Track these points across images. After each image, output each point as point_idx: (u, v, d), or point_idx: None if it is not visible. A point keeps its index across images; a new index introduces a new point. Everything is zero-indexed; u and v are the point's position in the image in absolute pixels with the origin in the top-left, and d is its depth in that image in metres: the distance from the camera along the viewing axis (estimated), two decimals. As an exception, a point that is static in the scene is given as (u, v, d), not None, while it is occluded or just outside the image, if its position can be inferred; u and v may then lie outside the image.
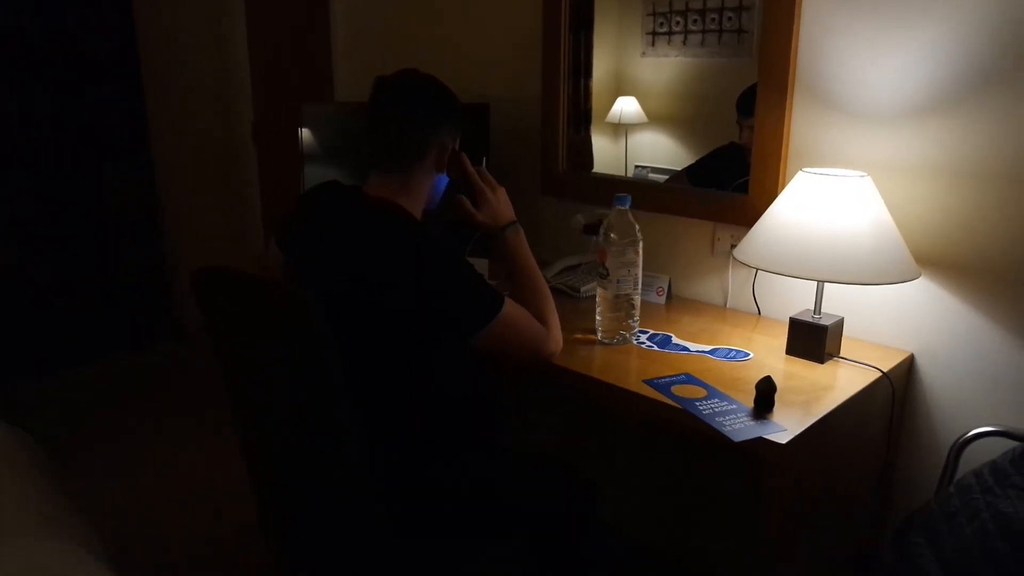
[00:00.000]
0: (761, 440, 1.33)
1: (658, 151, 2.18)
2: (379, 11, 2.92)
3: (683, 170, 2.13)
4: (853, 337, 1.78)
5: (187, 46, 3.76)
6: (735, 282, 2.02)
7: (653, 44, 2.10)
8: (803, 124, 1.82)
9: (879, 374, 1.59)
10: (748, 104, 1.91)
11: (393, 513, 1.46)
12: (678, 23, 2.03)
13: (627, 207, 1.70)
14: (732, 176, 1.98)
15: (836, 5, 1.72)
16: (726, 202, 1.98)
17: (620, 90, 2.23)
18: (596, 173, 2.34)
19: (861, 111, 1.72)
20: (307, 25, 3.28)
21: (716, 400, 1.47)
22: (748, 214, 1.85)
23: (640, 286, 1.75)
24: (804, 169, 1.65)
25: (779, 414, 1.42)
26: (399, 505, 1.48)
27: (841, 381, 1.57)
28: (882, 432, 1.71)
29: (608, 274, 1.70)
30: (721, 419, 1.39)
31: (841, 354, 1.68)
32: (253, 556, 2.24)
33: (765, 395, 1.42)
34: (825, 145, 1.80)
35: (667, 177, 2.17)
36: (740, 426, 1.37)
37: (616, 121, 2.26)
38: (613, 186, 2.12)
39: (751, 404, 1.45)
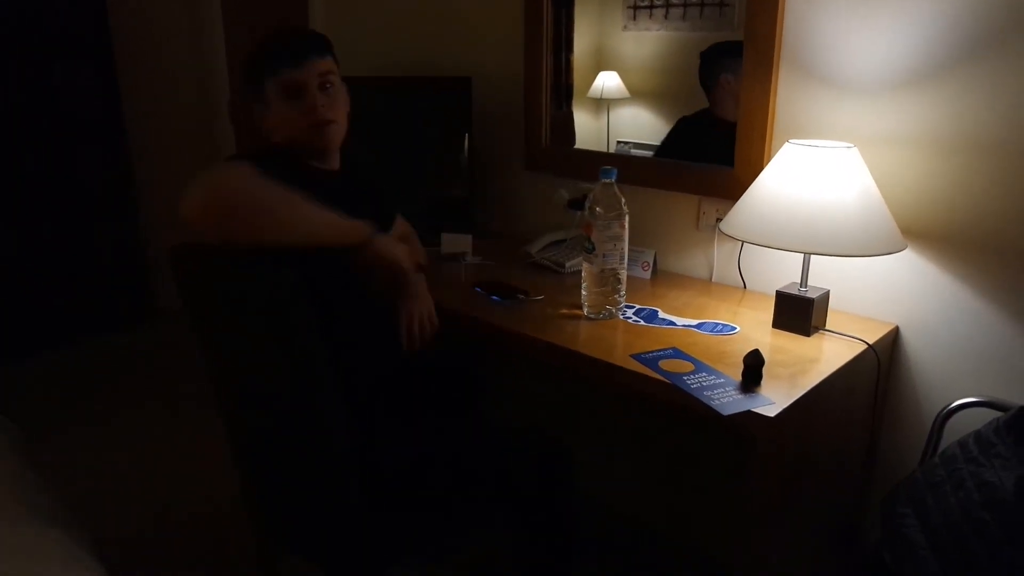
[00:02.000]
0: (750, 413, 1.33)
1: (640, 126, 2.17)
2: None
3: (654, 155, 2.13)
4: (838, 310, 1.78)
5: (161, 22, 3.68)
6: (720, 256, 2.02)
7: (635, 18, 2.08)
8: (789, 96, 1.81)
9: (865, 346, 1.59)
10: (710, 64, 1.92)
11: (373, 488, 1.46)
12: (660, -4, 2.00)
13: (613, 180, 1.68)
14: (711, 146, 1.96)
15: (822, -25, 1.71)
16: (711, 175, 1.97)
17: (602, 65, 2.20)
18: (579, 148, 2.32)
19: (847, 82, 1.71)
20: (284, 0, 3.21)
21: (704, 374, 1.46)
22: (733, 187, 1.84)
23: (626, 260, 1.73)
24: (790, 141, 1.64)
25: (767, 387, 1.41)
26: (378, 479, 1.47)
27: (827, 354, 1.57)
28: (867, 403, 1.71)
29: (594, 248, 1.69)
30: (709, 393, 1.38)
31: (827, 327, 1.68)
32: (234, 537, 2.22)
33: (753, 369, 1.42)
34: (811, 117, 1.78)
35: (649, 152, 2.15)
36: (728, 400, 1.36)
37: (598, 96, 2.24)
38: (597, 161, 2.10)
39: (739, 378, 1.44)
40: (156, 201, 3.82)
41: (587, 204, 1.70)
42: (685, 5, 1.97)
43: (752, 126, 1.86)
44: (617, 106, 2.21)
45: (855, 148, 1.60)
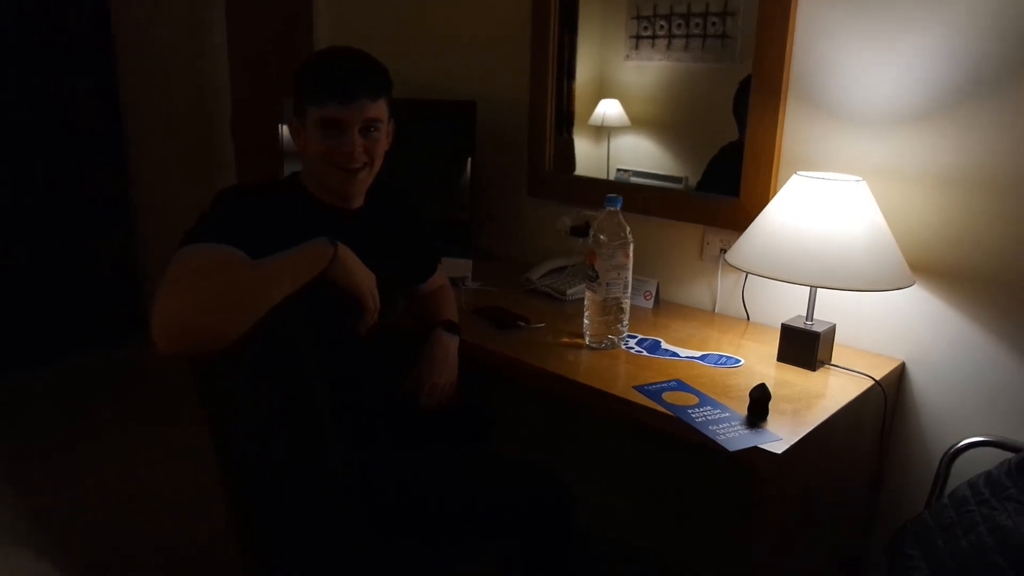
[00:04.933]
0: (756, 450, 1.30)
1: (640, 155, 2.16)
2: (363, 4, 2.87)
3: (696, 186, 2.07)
4: (844, 344, 1.75)
5: (164, 37, 3.68)
6: (724, 287, 2.00)
7: (637, 48, 2.08)
8: (797, 127, 1.80)
9: (871, 382, 1.56)
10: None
11: (373, 519, 1.42)
12: (662, 27, 2.01)
13: (618, 208, 1.66)
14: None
15: (832, 7, 1.70)
16: (716, 205, 1.95)
17: (603, 93, 2.20)
18: (580, 175, 2.31)
19: (857, 115, 1.70)
20: (289, 18, 3.21)
21: (708, 408, 1.43)
22: (738, 218, 1.83)
23: (630, 290, 1.71)
24: (798, 172, 1.62)
25: (772, 422, 1.38)
26: (380, 511, 1.44)
27: (833, 389, 1.54)
28: (873, 441, 1.69)
29: (597, 277, 1.66)
30: (715, 427, 1.35)
31: (833, 361, 1.66)
32: (224, 561, 2.16)
33: (760, 403, 1.39)
34: (819, 149, 1.77)
35: (650, 180, 2.14)
36: (734, 435, 1.33)
37: (599, 124, 2.23)
38: (598, 188, 2.09)
39: (744, 412, 1.41)
40: (154, 215, 3.79)
41: (591, 232, 1.68)
42: (687, 36, 1.97)
43: (759, 156, 1.84)
44: (617, 134, 2.20)
45: (863, 181, 1.58)
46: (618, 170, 2.22)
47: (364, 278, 1.41)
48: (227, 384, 1.42)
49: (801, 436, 1.34)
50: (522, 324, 1.84)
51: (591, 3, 2.18)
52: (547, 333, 1.80)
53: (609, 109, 2.20)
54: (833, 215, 1.53)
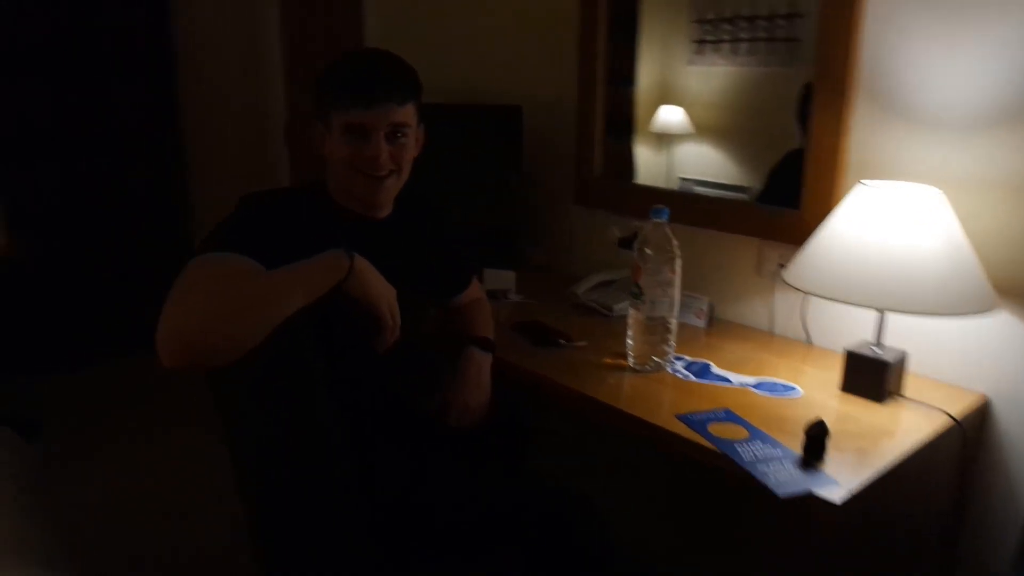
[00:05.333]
0: (810, 496, 1.15)
1: (704, 163, 2.05)
2: (412, 10, 2.82)
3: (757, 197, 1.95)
4: (917, 373, 1.57)
5: (221, 45, 3.72)
6: (782, 306, 1.84)
7: (700, 53, 1.99)
8: (865, 132, 1.64)
9: (948, 419, 1.39)
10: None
11: (378, 525, 1.36)
12: (726, 31, 1.92)
13: (664, 220, 1.53)
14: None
15: (906, 2, 1.54)
16: (774, 217, 1.80)
17: (664, 99, 2.11)
18: (636, 184, 2.21)
19: (933, 118, 1.53)
20: (340, 24, 3.19)
21: (759, 443, 1.29)
22: (798, 231, 1.68)
23: (677, 308, 1.58)
24: (862, 181, 1.46)
25: (831, 463, 1.24)
26: (383, 516, 1.39)
27: (904, 425, 1.38)
28: (949, 487, 1.51)
29: (642, 294, 1.54)
30: (764, 467, 1.21)
31: (903, 393, 1.49)
32: (232, 566, 2.13)
33: (816, 441, 1.24)
34: (890, 156, 1.61)
35: (714, 190, 2.01)
36: (786, 477, 1.19)
37: (660, 131, 2.13)
38: (651, 197, 1.97)
39: (799, 450, 1.26)
40: (206, 222, 3.82)
41: (636, 245, 1.55)
42: (752, 40, 1.87)
43: (821, 164, 1.70)
44: (680, 142, 2.11)
45: (940, 191, 1.41)
46: (681, 179, 2.12)
47: (382, 292, 1.33)
48: (237, 392, 1.38)
49: (864, 482, 1.19)
50: (562, 342, 1.73)
51: (652, 9, 2.09)
52: (589, 352, 1.69)
53: (670, 116, 2.11)
54: (905, 229, 1.37)
